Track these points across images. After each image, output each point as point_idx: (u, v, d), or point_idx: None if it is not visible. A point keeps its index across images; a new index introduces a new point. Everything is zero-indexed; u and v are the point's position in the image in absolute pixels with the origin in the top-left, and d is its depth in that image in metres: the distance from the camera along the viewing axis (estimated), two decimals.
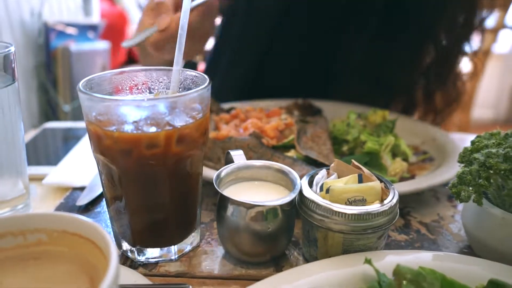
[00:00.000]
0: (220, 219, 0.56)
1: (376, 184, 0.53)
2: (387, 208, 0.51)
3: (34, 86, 1.64)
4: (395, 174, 0.75)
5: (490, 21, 3.01)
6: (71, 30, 1.92)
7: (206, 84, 0.53)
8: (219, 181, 0.57)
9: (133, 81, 0.59)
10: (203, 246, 0.62)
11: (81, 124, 1.07)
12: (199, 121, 0.53)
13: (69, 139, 1.00)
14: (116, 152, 0.50)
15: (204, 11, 0.77)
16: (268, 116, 0.88)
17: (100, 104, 0.49)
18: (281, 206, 0.53)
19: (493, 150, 0.53)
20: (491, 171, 0.52)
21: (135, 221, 0.55)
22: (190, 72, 0.58)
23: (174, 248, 0.58)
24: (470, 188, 0.53)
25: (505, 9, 2.89)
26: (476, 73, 1.25)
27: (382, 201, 0.53)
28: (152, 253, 0.57)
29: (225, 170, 0.59)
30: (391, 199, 0.53)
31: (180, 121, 0.51)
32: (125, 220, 0.56)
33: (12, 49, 0.63)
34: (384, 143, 0.76)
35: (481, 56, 1.13)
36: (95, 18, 2.50)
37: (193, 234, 0.61)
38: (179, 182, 0.54)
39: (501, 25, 2.93)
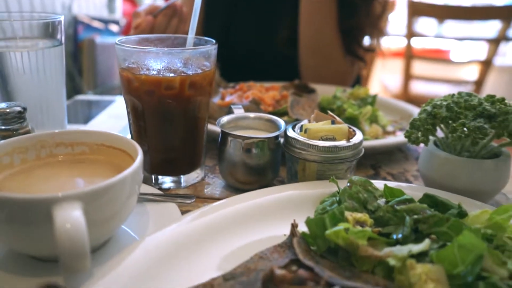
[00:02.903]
0: (221, 153, 0.71)
1: (344, 126, 0.67)
2: (351, 144, 0.65)
3: (65, 86, 1.82)
4: (371, 137, 0.88)
5: (492, 32, 3.14)
6: (97, 24, 2.10)
7: (212, 43, 0.68)
8: (221, 125, 0.71)
9: (156, 43, 0.74)
10: (206, 180, 0.76)
11: (105, 97, 1.23)
12: (207, 72, 0.67)
13: (95, 108, 1.16)
14: (142, 92, 0.65)
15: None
16: (267, 90, 1.02)
17: (131, 53, 0.64)
18: (268, 140, 0.68)
19: (438, 103, 0.67)
20: (436, 119, 0.66)
21: (154, 152, 0.70)
22: (201, 37, 0.73)
23: (183, 178, 0.73)
24: (420, 133, 0.67)
25: (507, 21, 3.02)
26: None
27: (349, 140, 0.67)
28: (166, 181, 0.72)
29: (227, 117, 0.74)
30: (356, 138, 0.67)
31: (191, 71, 0.66)
32: (146, 154, 0.70)
33: (61, 18, 0.78)
34: (363, 111, 0.90)
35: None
36: (118, 15, 2.70)
37: (198, 170, 0.75)
38: (189, 120, 0.69)
39: (502, 37, 3.05)
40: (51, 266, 0.49)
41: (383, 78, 3.71)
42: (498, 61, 4.20)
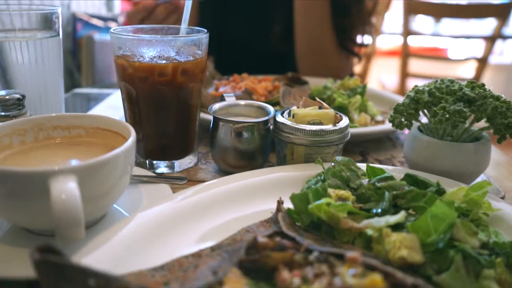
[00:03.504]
0: (212, 138, 0.73)
1: (330, 111, 0.70)
2: (338, 128, 0.68)
3: (63, 77, 1.86)
4: (360, 125, 0.91)
5: (487, 30, 3.17)
6: (95, 21, 2.13)
7: (204, 32, 0.71)
8: (213, 111, 0.74)
9: (150, 33, 0.76)
10: (199, 165, 0.79)
11: (103, 91, 1.25)
12: (199, 60, 0.70)
13: (93, 100, 1.19)
14: (136, 78, 0.68)
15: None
16: (260, 81, 1.05)
17: (125, 41, 0.67)
18: (258, 124, 0.70)
19: (421, 88, 0.69)
20: (419, 104, 0.69)
21: (148, 137, 0.72)
22: (193, 27, 0.76)
23: (176, 163, 0.75)
24: (403, 118, 0.70)
25: (502, 18, 3.05)
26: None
27: (335, 124, 0.69)
28: (160, 166, 0.75)
29: (218, 105, 0.76)
30: (342, 123, 0.69)
31: (184, 58, 0.68)
32: (140, 137, 0.73)
33: (58, 9, 0.81)
34: (352, 101, 0.93)
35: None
36: (117, 13, 2.73)
37: (191, 156, 0.78)
38: (182, 106, 0.71)
39: (497, 35, 3.08)
40: (50, 240, 0.52)
41: (381, 77, 3.75)
42: (495, 59, 4.23)
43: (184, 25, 0.74)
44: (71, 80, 1.94)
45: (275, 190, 0.62)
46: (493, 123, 0.65)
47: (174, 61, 0.67)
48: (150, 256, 0.48)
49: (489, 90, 0.67)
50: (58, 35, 0.82)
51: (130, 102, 0.71)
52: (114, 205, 0.61)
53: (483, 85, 0.68)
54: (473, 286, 0.41)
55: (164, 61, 0.67)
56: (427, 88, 0.69)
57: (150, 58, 0.67)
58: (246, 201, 0.60)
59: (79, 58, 2.00)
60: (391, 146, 0.91)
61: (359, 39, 1.38)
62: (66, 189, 0.44)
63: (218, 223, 0.55)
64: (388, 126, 0.87)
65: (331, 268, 0.41)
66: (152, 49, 0.67)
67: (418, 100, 0.68)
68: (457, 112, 0.64)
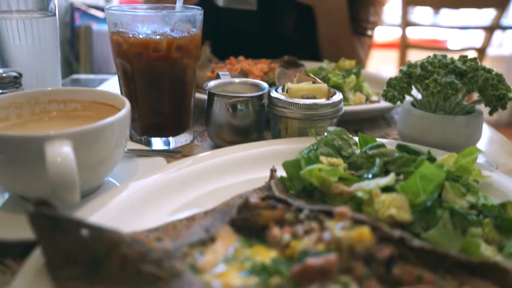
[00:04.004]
0: (208, 114, 0.74)
1: (323, 85, 0.71)
2: (331, 102, 0.69)
3: (60, 60, 1.87)
4: (355, 104, 0.92)
5: (485, 20, 3.17)
6: (94, 12, 2.14)
7: (198, 9, 0.71)
8: (208, 88, 0.75)
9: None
10: (195, 142, 0.79)
11: (100, 76, 1.26)
12: (193, 36, 0.71)
13: (91, 86, 1.19)
14: (131, 54, 0.69)
15: None
16: (255, 64, 1.06)
17: (120, 17, 0.68)
18: (252, 99, 0.71)
19: (413, 63, 0.70)
20: (411, 78, 0.69)
21: (143, 114, 0.73)
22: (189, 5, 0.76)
23: (172, 140, 0.76)
24: (396, 92, 0.70)
25: (501, 8, 3.04)
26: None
27: (328, 98, 0.70)
28: (155, 142, 0.75)
29: (213, 82, 0.77)
30: (335, 97, 0.70)
31: (178, 34, 0.69)
32: (135, 115, 0.74)
33: None
34: (347, 80, 0.93)
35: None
36: (115, 4, 2.74)
37: (187, 133, 0.78)
38: (177, 82, 0.72)
39: (496, 25, 3.08)
40: None
41: (379, 69, 3.75)
42: (494, 51, 4.23)
43: (179, 4, 0.75)
44: (70, 70, 1.95)
45: (269, 162, 0.62)
46: (484, 95, 0.66)
47: (169, 37, 0.68)
48: (144, 222, 0.48)
49: (481, 64, 0.68)
50: (54, 15, 0.82)
51: (126, 79, 0.72)
52: (110, 178, 0.62)
53: (475, 58, 0.68)
54: (460, 242, 0.42)
55: (158, 37, 0.68)
56: (419, 62, 0.70)
57: (145, 34, 0.68)
58: (240, 171, 0.61)
59: (77, 48, 2.01)
60: (386, 124, 0.92)
61: (370, 18, 1.42)
62: (61, 153, 0.45)
63: (212, 191, 0.56)
64: (383, 104, 0.88)
65: (321, 224, 0.42)
66: (147, 25, 0.68)
67: (411, 74, 0.69)
68: (448, 84, 0.64)
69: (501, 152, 0.83)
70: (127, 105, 0.57)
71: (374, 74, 1.15)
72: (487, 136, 0.91)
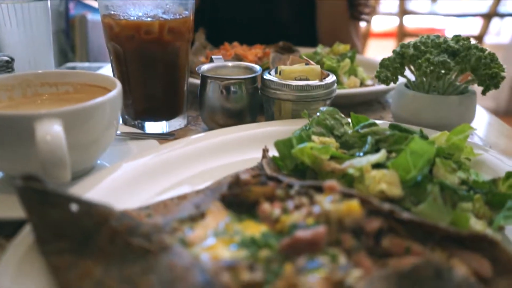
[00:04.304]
0: (201, 98, 0.74)
1: (316, 67, 0.70)
2: (324, 83, 0.69)
3: (55, 50, 1.86)
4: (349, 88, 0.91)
5: (483, 8, 3.15)
6: (88, 1, 2.12)
7: None
8: (201, 71, 0.74)
9: None
10: (189, 127, 0.79)
11: (95, 64, 1.26)
12: (185, 18, 0.70)
13: None
14: (123, 37, 0.68)
15: None
16: (250, 49, 1.05)
17: None
18: (245, 81, 0.71)
19: (406, 43, 0.70)
20: (404, 58, 0.69)
21: (137, 97, 0.73)
22: None
23: (166, 124, 0.76)
24: (389, 72, 0.70)
25: None
26: None
27: (321, 80, 0.70)
28: (149, 126, 0.75)
29: (207, 66, 0.77)
30: (328, 79, 0.70)
31: (170, 17, 0.69)
32: (129, 99, 0.73)
33: None
34: (341, 64, 0.93)
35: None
36: None
37: (181, 118, 0.78)
38: (170, 66, 0.72)
39: (493, 12, 3.06)
40: None
41: (376, 59, 3.73)
42: (492, 39, 4.21)
43: None
44: (65, 60, 1.94)
45: (261, 143, 0.62)
46: (477, 74, 0.65)
47: (161, 19, 0.68)
48: (135, 201, 0.48)
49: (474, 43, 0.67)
50: None
51: (118, 62, 0.71)
52: (103, 161, 0.62)
53: (468, 38, 0.68)
54: (450, 216, 0.42)
55: (150, 19, 0.67)
56: (412, 42, 0.69)
57: (137, 16, 0.67)
58: (233, 152, 0.61)
59: (72, 38, 2.00)
60: (381, 108, 0.92)
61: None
62: (51, 131, 0.45)
63: (205, 171, 0.56)
64: (377, 87, 0.87)
65: (311, 199, 0.42)
66: (139, 8, 0.67)
67: (404, 54, 0.69)
68: (441, 63, 0.64)
69: (496, 134, 0.83)
70: (119, 86, 0.56)
71: (369, 59, 1.15)
72: (483, 119, 0.91)
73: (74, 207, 0.36)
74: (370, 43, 3.47)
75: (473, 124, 0.68)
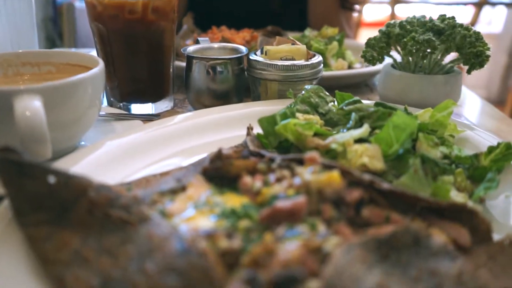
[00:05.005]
0: (187, 79, 0.73)
1: (302, 47, 0.70)
2: (310, 63, 0.68)
3: (42, 38, 1.84)
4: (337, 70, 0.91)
5: None
6: None
7: None
8: (187, 52, 0.74)
9: None
10: (175, 109, 0.79)
11: (82, 50, 1.24)
12: None
13: None
14: (106, 17, 0.67)
15: None
16: (238, 33, 1.04)
17: None
18: (231, 61, 0.70)
19: (392, 22, 0.70)
20: (390, 38, 0.69)
21: (121, 79, 0.72)
22: None
23: (152, 106, 0.75)
24: (375, 52, 0.70)
25: None
26: None
27: (307, 60, 0.70)
28: (135, 108, 0.75)
29: (193, 47, 0.76)
30: (314, 59, 0.70)
31: None
32: (115, 81, 0.73)
33: None
34: (329, 47, 0.93)
35: None
36: None
37: (167, 100, 0.78)
38: (155, 46, 0.71)
39: (484, 1, 3.06)
40: None
41: None
42: (483, 28, 4.22)
43: None
44: (53, 47, 1.92)
45: (247, 122, 0.62)
46: (462, 53, 0.65)
47: None
48: (118, 179, 0.48)
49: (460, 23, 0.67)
50: None
51: (102, 43, 0.70)
52: (86, 142, 0.62)
53: (453, 17, 0.68)
54: (430, 187, 0.43)
55: None
56: (398, 22, 0.69)
57: None
58: (218, 131, 0.60)
59: (60, 26, 1.98)
60: (368, 90, 0.92)
61: None
62: (31, 107, 0.45)
63: (189, 149, 0.56)
64: (364, 69, 0.87)
65: (292, 172, 0.42)
66: None
67: (389, 34, 0.69)
68: (426, 41, 0.64)
69: (487, 118, 0.83)
70: (101, 64, 0.56)
71: (357, 42, 1.15)
72: (468, 100, 0.91)
73: (51, 179, 0.35)
74: (362, 32, 3.46)
75: (465, 109, 0.68)
